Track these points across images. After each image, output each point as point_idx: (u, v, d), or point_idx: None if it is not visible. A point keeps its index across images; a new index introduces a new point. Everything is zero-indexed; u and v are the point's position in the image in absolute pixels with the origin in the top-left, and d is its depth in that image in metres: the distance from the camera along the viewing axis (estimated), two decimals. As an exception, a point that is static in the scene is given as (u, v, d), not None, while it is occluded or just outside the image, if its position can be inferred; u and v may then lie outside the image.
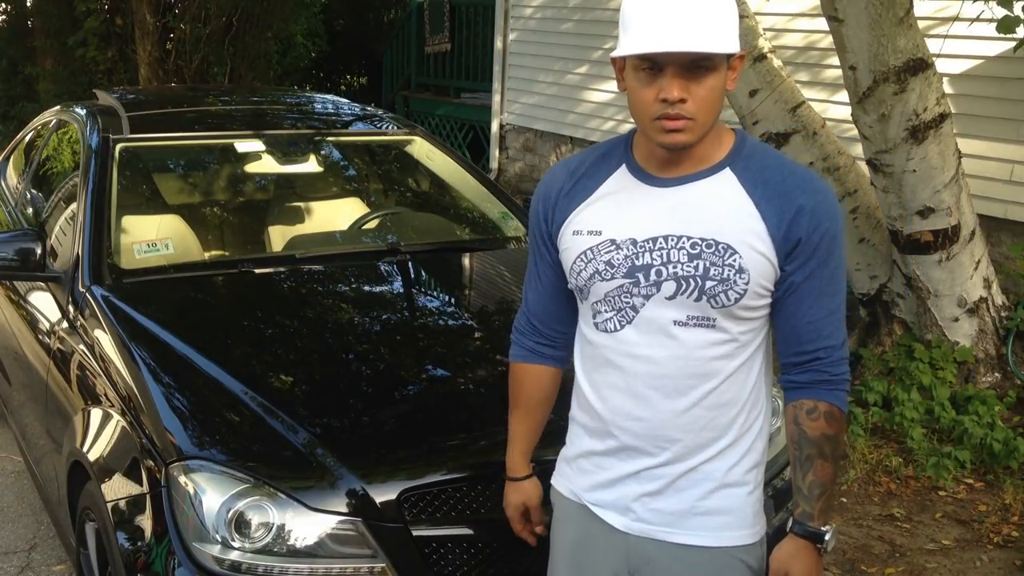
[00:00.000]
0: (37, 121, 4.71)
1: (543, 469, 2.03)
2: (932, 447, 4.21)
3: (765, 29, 5.26)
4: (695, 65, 1.57)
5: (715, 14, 1.57)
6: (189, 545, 2.18)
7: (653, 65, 1.58)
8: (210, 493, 2.19)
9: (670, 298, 1.68)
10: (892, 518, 3.83)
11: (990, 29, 5.04)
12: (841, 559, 3.55)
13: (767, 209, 1.65)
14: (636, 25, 1.58)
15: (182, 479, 2.24)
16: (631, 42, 1.58)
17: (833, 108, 5.92)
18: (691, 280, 1.66)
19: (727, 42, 1.58)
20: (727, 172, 1.69)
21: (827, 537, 1.71)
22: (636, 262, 1.70)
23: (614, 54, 1.65)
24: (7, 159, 4.88)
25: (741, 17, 4.73)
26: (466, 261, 3.61)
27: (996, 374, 4.63)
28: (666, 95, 1.57)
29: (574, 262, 1.77)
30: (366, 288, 3.36)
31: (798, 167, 1.73)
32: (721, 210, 1.67)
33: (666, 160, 1.70)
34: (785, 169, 1.70)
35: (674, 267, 1.67)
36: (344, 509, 2.18)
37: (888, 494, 4.00)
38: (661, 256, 1.68)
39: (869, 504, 3.93)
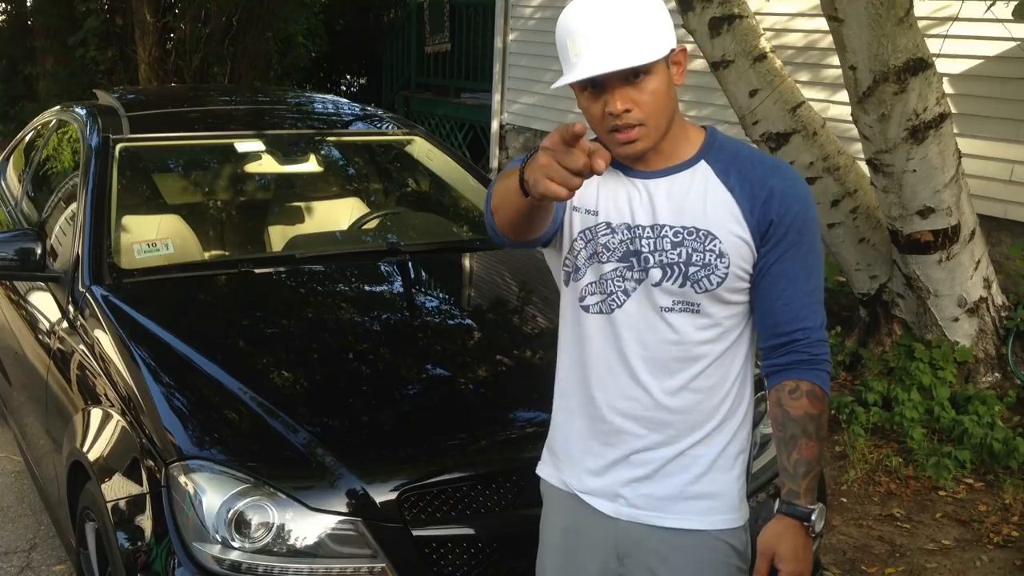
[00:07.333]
0: (37, 121, 4.71)
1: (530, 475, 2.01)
2: (932, 447, 4.21)
3: (765, 29, 5.26)
4: (632, 75, 1.63)
5: (639, 22, 1.61)
6: (189, 545, 2.18)
7: (594, 84, 1.66)
8: (210, 493, 2.19)
9: (656, 284, 1.74)
10: (892, 518, 3.83)
11: (990, 29, 5.05)
12: (841, 559, 3.55)
13: (740, 194, 1.72)
14: (568, 52, 1.65)
15: (182, 479, 2.24)
16: (567, 71, 1.66)
17: (833, 108, 5.91)
18: (676, 267, 1.72)
19: (656, 46, 1.63)
20: (702, 164, 1.76)
21: (814, 516, 1.73)
22: (631, 247, 1.75)
23: (553, 86, 1.70)
24: (7, 159, 4.88)
25: (741, 17, 4.72)
26: (466, 261, 3.61)
27: (996, 374, 4.63)
28: (611, 109, 1.65)
29: (575, 240, 1.80)
30: (366, 288, 3.36)
31: (768, 157, 1.81)
32: (699, 199, 1.73)
33: (635, 162, 1.76)
34: (755, 158, 1.77)
35: (660, 255, 1.73)
36: (344, 509, 2.18)
37: (888, 494, 4.00)
38: (650, 244, 1.74)
39: (869, 504, 3.93)
